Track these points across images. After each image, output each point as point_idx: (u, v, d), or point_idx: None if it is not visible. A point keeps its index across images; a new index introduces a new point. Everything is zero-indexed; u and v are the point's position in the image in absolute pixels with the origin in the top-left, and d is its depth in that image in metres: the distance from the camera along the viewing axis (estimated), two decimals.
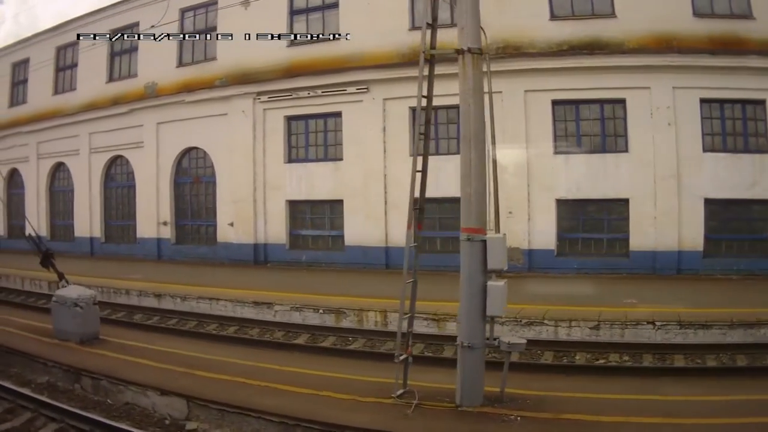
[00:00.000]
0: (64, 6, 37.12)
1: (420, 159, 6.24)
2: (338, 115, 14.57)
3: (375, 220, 14.09)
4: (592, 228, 12.97)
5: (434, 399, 5.57)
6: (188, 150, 16.49)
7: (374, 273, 13.50)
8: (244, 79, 15.52)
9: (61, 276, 8.61)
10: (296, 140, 15.20)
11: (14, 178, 21.87)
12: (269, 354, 7.82)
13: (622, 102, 12.50)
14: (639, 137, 12.20)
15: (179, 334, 9.19)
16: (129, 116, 17.30)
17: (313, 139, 15.05)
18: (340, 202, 14.57)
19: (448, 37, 13.47)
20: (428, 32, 6.28)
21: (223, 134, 15.63)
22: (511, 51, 12.83)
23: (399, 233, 13.58)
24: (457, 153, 13.37)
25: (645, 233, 12.09)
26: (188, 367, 6.81)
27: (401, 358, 5.62)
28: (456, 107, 13.39)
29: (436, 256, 12.76)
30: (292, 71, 14.99)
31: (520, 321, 8.45)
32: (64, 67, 19.79)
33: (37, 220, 19.98)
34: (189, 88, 16.35)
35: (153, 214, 16.74)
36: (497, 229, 12.39)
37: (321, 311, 9.81)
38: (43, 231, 19.99)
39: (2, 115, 21.12)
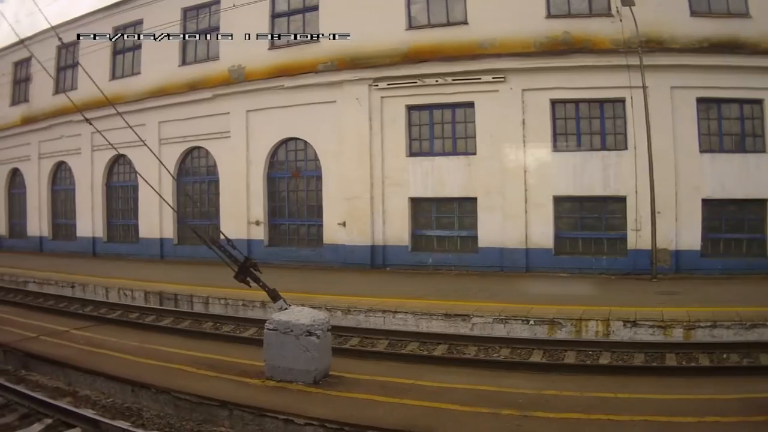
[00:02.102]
0: None
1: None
2: (470, 105, 13.83)
3: (514, 219, 13.41)
4: (735, 228, 12.77)
5: None
6: (285, 141, 15.55)
7: (516, 276, 12.95)
8: (353, 63, 14.76)
9: (275, 295, 6.65)
10: (418, 132, 14.36)
11: (59, 174, 20.80)
12: (524, 379, 6.66)
13: (759, 102, 12.50)
14: None
15: (393, 358, 7.94)
16: (210, 103, 16.30)
17: (439, 130, 14.23)
18: (473, 199, 13.83)
19: (577, 27, 13.39)
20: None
21: (330, 123, 14.82)
22: (654, 45, 12.52)
23: (540, 233, 13.40)
24: (602, 149, 13.57)
25: None
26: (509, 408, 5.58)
27: None
28: (597, 101, 13.55)
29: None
30: (411, 56, 14.22)
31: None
32: (124, 50, 18.82)
33: (92, 221, 19.05)
34: (285, 72, 15.48)
35: (242, 213, 15.77)
36: (653, 228, 12.55)
37: (531, 322, 9.21)
38: (99, 232, 19.02)
39: (46, 103, 20.04)
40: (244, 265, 6.66)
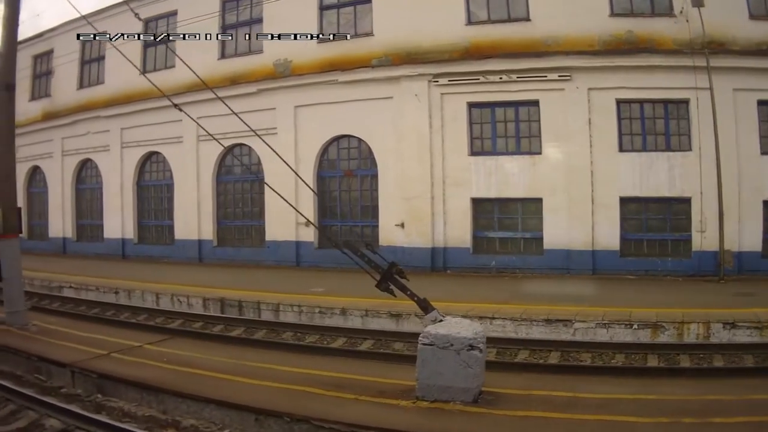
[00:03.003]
0: None
1: None
2: (534, 103, 13.70)
3: (580, 220, 13.28)
4: None
5: None
6: (337, 138, 15.28)
7: (585, 279, 12.82)
8: (410, 58, 14.51)
9: (426, 305, 6.21)
10: (480, 130, 14.13)
11: (83, 173, 20.34)
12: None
13: None
14: None
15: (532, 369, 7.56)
16: (254, 98, 15.97)
17: (502, 129, 14.03)
18: (538, 200, 13.66)
19: (640, 26, 13.34)
20: None
21: (387, 120, 14.55)
22: (716, 47, 12.57)
23: (606, 235, 13.33)
24: (667, 150, 13.53)
25: None
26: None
27: None
28: (661, 102, 13.53)
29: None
30: (472, 52, 14.02)
31: None
32: (155, 43, 18.43)
33: (121, 221, 18.62)
34: (335, 66, 15.21)
35: (289, 213, 15.53)
36: (720, 230, 12.56)
37: (635, 326, 9.08)
38: (129, 234, 18.60)
39: (70, 98, 19.60)
40: (388, 271, 6.25)
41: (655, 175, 13.30)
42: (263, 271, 14.94)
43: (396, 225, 14.53)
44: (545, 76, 13.66)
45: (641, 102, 13.47)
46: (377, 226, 14.88)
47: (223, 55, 17.06)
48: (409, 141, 14.48)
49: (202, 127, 10.27)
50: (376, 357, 8.23)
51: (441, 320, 6.09)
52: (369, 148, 14.99)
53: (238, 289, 12.31)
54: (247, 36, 16.77)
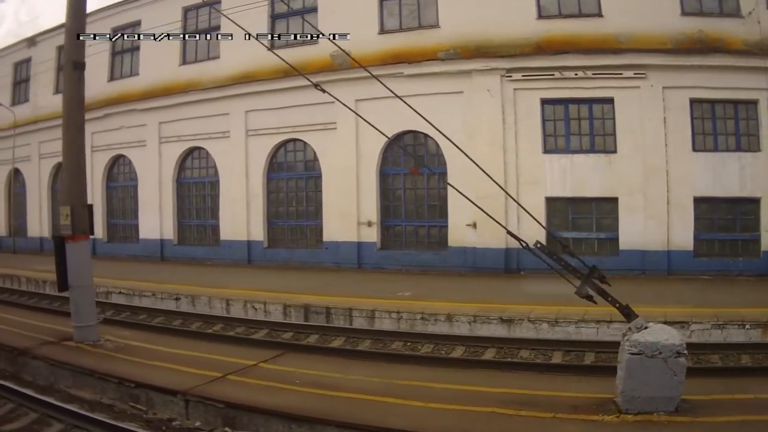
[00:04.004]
0: None
1: None
2: (608, 101, 14.33)
3: (656, 221, 13.94)
4: None
5: None
6: (402, 134, 15.39)
7: (664, 280, 13.41)
8: (479, 52, 14.83)
9: (629, 312, 6.11)
10: (553, 127, 14.69)
11: (115, 169, 20.38)
12: None
13: None
14: None
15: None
16: (311, 91, 15.71)
17: (575, 126, 14.62)
18: (613, 200, 14.26)
19: (710, 26, 13.57)
20: None
21: (457, 116, 14.78)
22: None
23: (681, 235, 13.92)
24: (737, 150, 13.75)
25: None
26: None
27: None
28: (731, 102, 13.78)
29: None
30: (544, 47, 14.58)
31: None
32: (196, 32, 18.10)
33: (159, 221, 18.34)
34: (399, 59, 15.41)
35: (350, 213, 15.58)
36: None
37: (747, 327, 9.27)
38: (168, 234, 18.24)
39: (99, 91, 19.17)
40: (589, 276, 6.16)
41: (727, 175, 13.96)
42: (326, 274, 15.02)
43: (467, 225, 14.80)
44: (620, 74, 14.23)
45: (713, 102, 14.20)
46: (446, 226, 15.26)
47: (273, 46, 16.74)
48: (481, 138, 14.67)
49: (361, 117, 9.75)
50: (533, 368, 8.06)
51: (646, 327, 5.96)
52: (436, 144, 15.07)
53: (316, 294, 12.28)
54: (292, 29, 16.71)
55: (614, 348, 8.76)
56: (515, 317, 9.87)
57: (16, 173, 22.69)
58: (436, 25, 15.36)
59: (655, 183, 13.95)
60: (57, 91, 20.77)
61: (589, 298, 6.19)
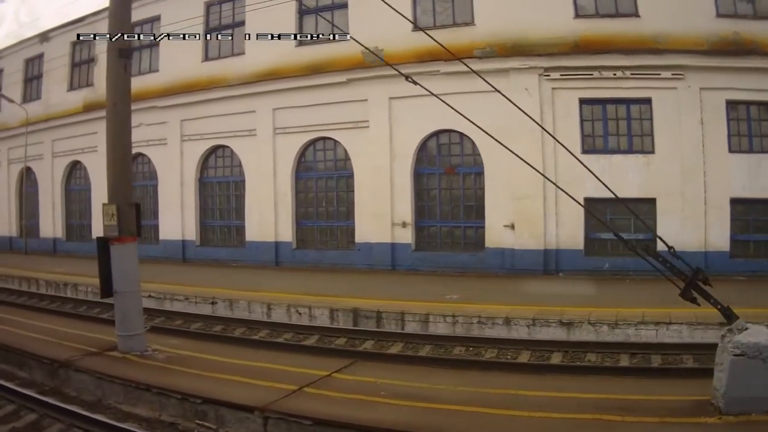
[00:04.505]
0: None
1: None
2: (646, 101, 14.98)
3: (693, 222, 14.61)
4: None
5: None
6: (436, 133, 15.87)
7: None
8: (516, 50, 15.37)
9: (730, 313, 6.30)
10: (591, 127, 15.32)
11: (133, 168, 20.13)
12: None
13: None
14: None
15: None
16: (342, 89, 16.48)
17: (613, 127, 15.28)
18: (651, 201, 14.86)
19: (744, 28, 14.07)
20: None
21: (494, 115, 14.92)
22: None
23: (718, 236, 14.58)
24: None
25: None
26: None
27: None
28: (764, 104, 14.31)
29: None
30: (582, 46, 15.25)
31: None
32: (220, 27, 18.37)
33: (181, 221, 18.61)
34: (434, 56, 15.68)
35: (384, 213, 16.09)
36: None
37: None
38: (191, 235, 18.52)
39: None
40: (693, 279, 6.38)
41: (763, 176, 14.58)
42: (360, 276, 15.50)
43: (505, 226, 15.29)
44: (658, 74, 14.84)
45: (748, 103, 14.84)
46: (483, 227, 15.81)
47: (300, 42, 17.05)
48: (519, 138, 14.86)
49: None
50: (627, 373, 8.18)
51: (746, 329, 6.32)
52: (473, 143, 15.59)
53: (359, 297, 12.47)
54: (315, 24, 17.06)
55: (678, 350, 9.27)
56: (575, 320, 10.18)
57: (28, 172, 23.07)
58: (471, 23, 15.96)
59: (693, 184, 14.61)
60: (71, 88, 21.26)
61: (693, 300, 6.45)
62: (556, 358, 9.02)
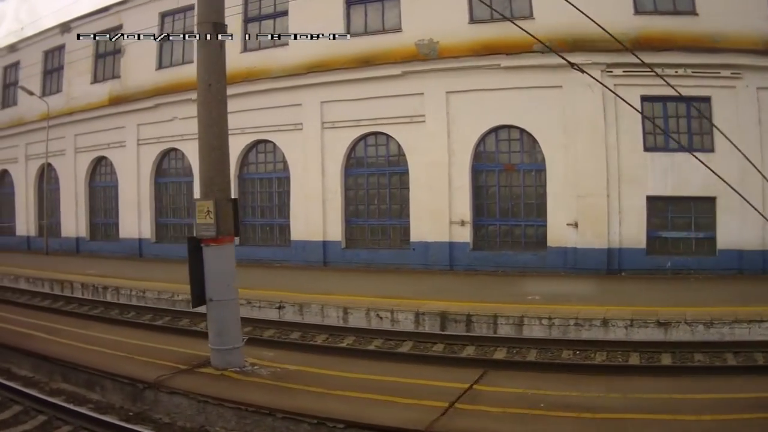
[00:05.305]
0: None
1: None
2: (705, 100, 16.06)
3: (753, 221, 15.48)
4: None
5: None
6: (495, 129, 16.62)
7: (759, 279, 14.74)
8: (576, 46, 16.30)
9: None
10: (652, 125, 15.82)
11: (165, 163, 21.44)
12: None
13: None
14: None
15: None
16: (395, 82, 17.31)
17: (674, 124, 16.45)
18: (710, 199, 16.00)
19: None
20: None
21: (555, 111, 16.30)
22: None
23: None
24: None
25: None
26: None
27: None
28: None
29: None
30: (642, 43, 16.29)
31: None
32: (260, 17, 18.77)
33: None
34: (491, 50, 16.86)
35: (442, 211, 17.07)
36: None
37: None
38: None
39: (146, 79, 19.76)
40: None
41: None
42: (421, 277, 16.57)
43: (568, 224, 16.25)
44: (718, 73, 15.94)
45: None
46: (544, 225, 16.84)
47: (350, 32, 17.58)
48: (582, 134, 16.08)
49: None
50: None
51: None
52: (533, 140, 16.64)
53: (435, 299, 12.77)
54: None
55: None
56: (671, 320, 10.82)
57: (48, 168, 23.51)
58: (529, 17, 16.92)
59: (752, 183, 14.83)
60: (95, 80, 21.66)
61: None
62: (666, 359, 9.63)
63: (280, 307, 12.98)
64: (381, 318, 12.26)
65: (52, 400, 7.46)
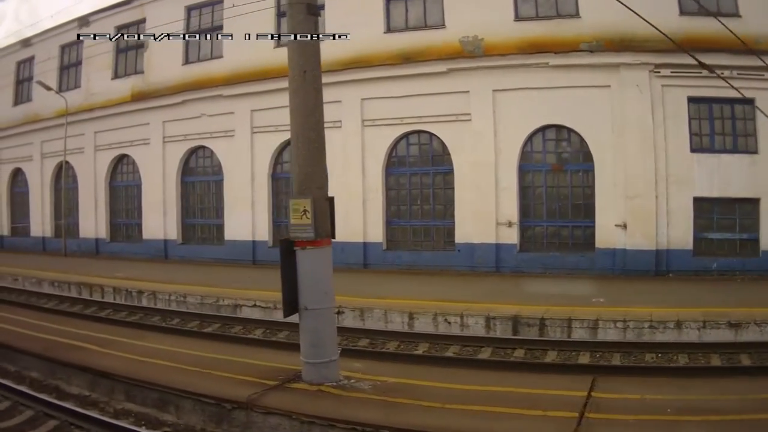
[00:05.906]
0: None
1: None
2: (749, 101, 16.91)
3: None
4: None
5: None
6: (543, 128, 17.27)
7: None
8: (623, 45, 17.39)
9: None
10: (698, 126, 17.54)
11: (192, 161, 21.90)
12: None
13: None
14: None
15: None
16: (438, 79, 17.99)
17: (719, 126, 17.56)
18: (754, 200, 17.21)
19: None
20: None
21: (603, 110, 17.07)
22: None
23: None
24: None
25: None
26: None
27: None
28: None
29: None
30: (688, 44, 16.33)
31: None
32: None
33: (251, 221, 19.56)
34: (537, 48, 17.74)
35: (488, 212, 17.86)
36: None
37: None
38: (262, 235, 19.18)
39: (172, 75, 19.93)
40: None
41: None
42: (470, 279, 17.39)
43: (616, 225, 17.09)
44: (762, 75, 16.77)
45: None
46: (592, 226, 17.68)
47: (389, 29, 18.07)
48: (631, 135, 16.98)
49: None
50: None
51: None
52: (581, 140, 17.29)
53: (496, 302, 13.18)
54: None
55: None
56: (741, 321, 11.52)
57: (66, 166, 23.74)
58: (576, 15, 18.08)
59: None
60: (116, 75, 21.97)
61: None
62: (746, 360, 10.24)
63: (338, 312, 12.63)
64: (449, 323, 12.54)
65: (122, 425, 7.07)
